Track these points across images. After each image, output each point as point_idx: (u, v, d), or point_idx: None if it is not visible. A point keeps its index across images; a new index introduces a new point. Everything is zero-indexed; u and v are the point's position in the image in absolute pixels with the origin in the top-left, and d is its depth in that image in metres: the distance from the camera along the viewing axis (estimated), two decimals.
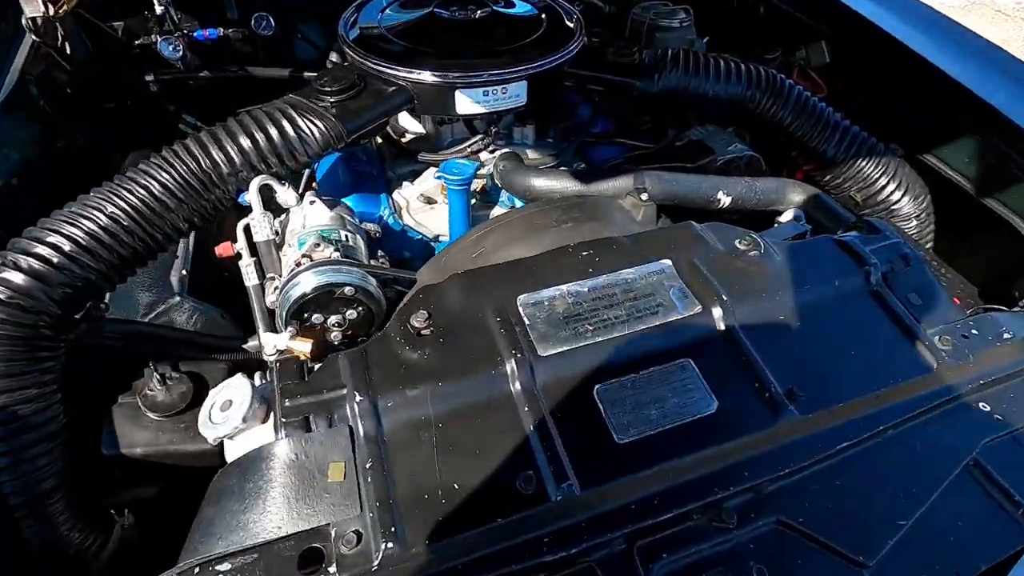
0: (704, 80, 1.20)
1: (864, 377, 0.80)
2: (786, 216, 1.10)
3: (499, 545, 0.64)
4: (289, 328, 0.93)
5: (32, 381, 0.81)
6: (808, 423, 0.75)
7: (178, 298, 1.14)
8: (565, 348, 0.77)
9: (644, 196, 1.00)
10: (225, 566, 0.59)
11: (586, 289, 0.85)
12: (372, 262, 1.02)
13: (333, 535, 0.62)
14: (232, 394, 0.68)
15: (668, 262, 0.89)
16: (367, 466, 0.66)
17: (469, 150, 1.22)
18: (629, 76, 1.20)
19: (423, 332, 0.77)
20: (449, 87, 1.10)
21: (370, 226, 1.11)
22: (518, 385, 0.74)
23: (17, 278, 0.79)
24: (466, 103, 1.12)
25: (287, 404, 0.69)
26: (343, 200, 1.22)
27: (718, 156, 1.19)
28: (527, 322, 0.80)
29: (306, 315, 0.92)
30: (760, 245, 0.92)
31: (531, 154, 1.33)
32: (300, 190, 1.31)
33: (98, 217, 0.86)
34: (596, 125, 1.41)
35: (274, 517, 0.63)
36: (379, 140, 1.40)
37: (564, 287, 0.84)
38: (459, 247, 0.95)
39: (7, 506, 0.82)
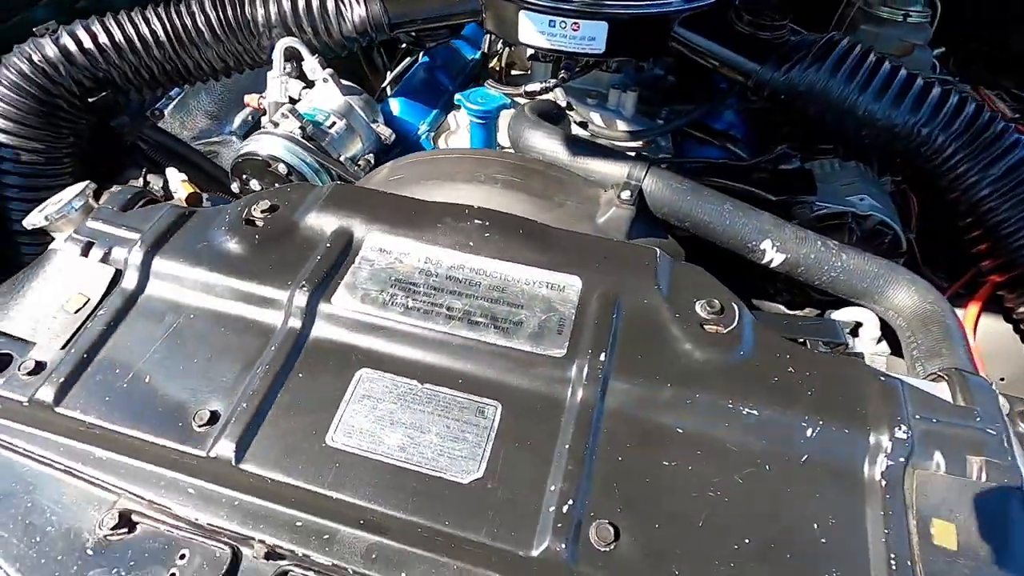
0: (856, 89, 0.80)
1: None
2: (865, 332, 0.69)
3: (131, 457, 0.56)
4: (234, 183, 0.93)
5: (42, 136, 0.95)
6: None
7: (233, 137, 1.23)
8: (360, 312, 0.61)
9: (625, 195, 0.72)
10: None
11: (449, 262, 0.65)
12: (345, 159, 0.95)
13: (25, 355, 0.60)
14: (69, 194, 0.70)
15: (577, 282, 0.63)
16: (100, 314, 0.63)
17: (532, 88, 1.04)
18: (748, 56, 0.86)
19: (256, 221, 0.68)
20: (514, 5, 0.93)
21: (384, 130, 1.04)
22: (286, 324, 0.61)
23: (50, 51, 0.92)
24: (529, 30, 0.94)
25: (87, 223, 0.68)
26: (394, 98, 1.16)
27: (818, 202, 0.80)
28: (355, 264, 0.65)
29: (244, 176, 0.90)
30: (733, 321, 0.60)
31: (620, 126, 1.09)
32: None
33: (135, 26, 0.95)
34: (720, 121, 1.08)
35: (7, 312, 0.64)
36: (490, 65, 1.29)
37: (427, 248, 0.66)
38: (390, 166, 0.82)
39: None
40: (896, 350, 0.71)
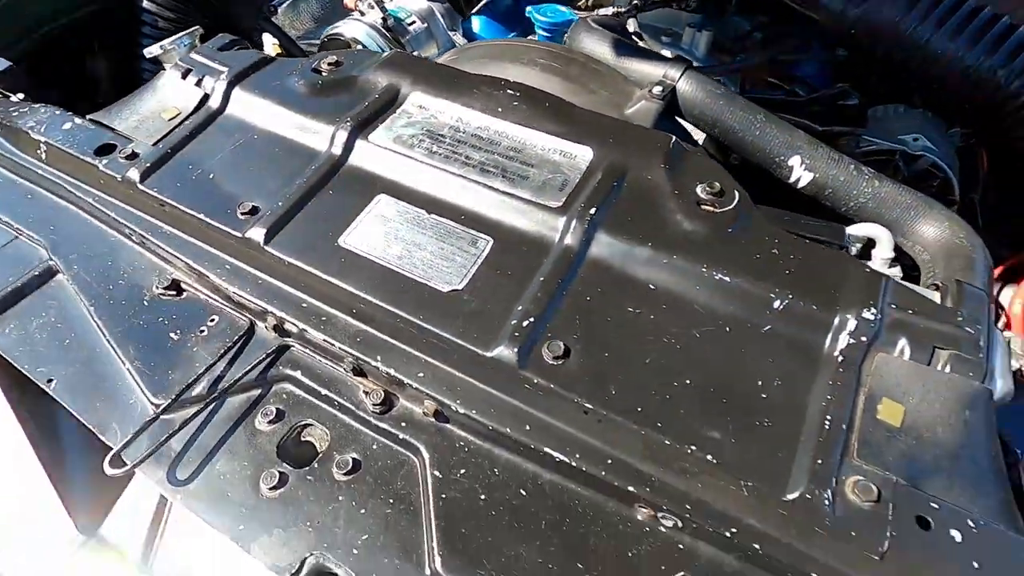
0: (930, 25, 0.76)
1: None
2: (878, 251, 0.67)
3: (187, 233, 0.67)
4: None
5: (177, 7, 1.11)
6: (532, 393, 0.53)
7: None
8: (390, 148, 0.69)
9: (657, 90, 0.73)
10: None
11: (477, 123, 0.71)
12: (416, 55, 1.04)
13: (126, 147, 0.74)
14: (182, 34, 0.83)
15: (589, 153, 0.67)
16: (186, 123, 0.75)
17: (604, 12, 1.07)
18: None
19: (322, 71, 0.78)
20: None
21: (460, 39, 1.11)
22: (328, 151, 0.70)
23: None
24: None
25: (191, 54, 0.80)
26: (477, 16, 1.23)
27: (865, 136, 0.78)
28: (395, 114, 0.73)
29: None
30: (730, 204, 0.61)
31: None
32: None
33: None
34: (799, 68, 1.06)
35: (120, 115, 0.77)
36: None
37: (461, 109, 0.72)
38: (456, 49, 0.89)
39: None
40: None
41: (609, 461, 0.50)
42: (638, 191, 0.64)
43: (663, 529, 0.49)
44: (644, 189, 0.64)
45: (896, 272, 0.67)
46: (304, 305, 0.62)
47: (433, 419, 0.56)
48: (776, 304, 0.55)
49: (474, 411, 0.53)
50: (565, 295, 0.58)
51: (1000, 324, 0.79)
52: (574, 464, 0.50)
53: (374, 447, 0.56)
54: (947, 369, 0.50)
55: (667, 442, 0.49)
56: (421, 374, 0.56)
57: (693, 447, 0.49)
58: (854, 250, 0.66)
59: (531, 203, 0.63)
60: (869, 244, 0.67)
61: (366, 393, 0.57)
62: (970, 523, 0.45)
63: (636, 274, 0.59)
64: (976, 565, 0.43)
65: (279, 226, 0.64)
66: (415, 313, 0.57)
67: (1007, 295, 0.83)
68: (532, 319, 0.55)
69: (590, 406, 0.51)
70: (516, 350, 0.54)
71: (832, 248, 0.63)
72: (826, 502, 0.45)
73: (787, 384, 0.51)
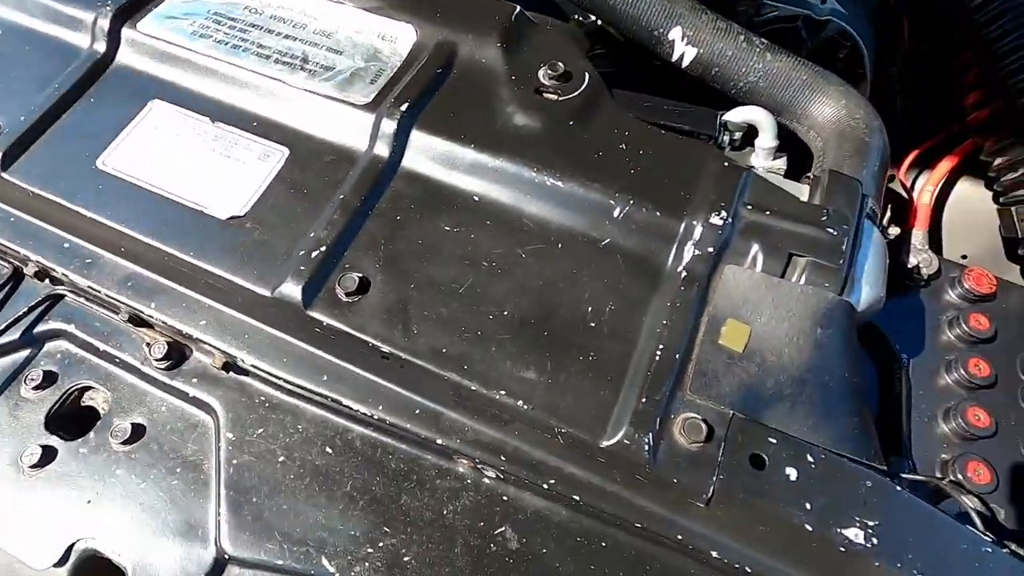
0: None
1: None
2: (761, 140, 0.57)
3: None
4: None
5: None
6: (321, 335, 0.44)
7: None
8: (165, 40, 0.55)
9: None
10: None
11: (280, 1, 0.57)
12: None
13: None
14: None
15: (412, 33, 0.54)
16: None
17: None
18: None
19: None
20: None
21: None
22: (91, 47, 0.56)
23: None
24: None
25: None
26: None
27: (766, 1, 0.65)
28: None
29: None
30: (575, 90, 0.50)
31: None
32: None
33: None
34: None
35: None
36: None
37: None
38: None
39: None
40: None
41: (417, 411, 0.43)
42: (467, 78, 0.52)
43: (487, 481, 0.42)
44: (474, 75, 0.52)
45: (780, 164, 0.57)
46: (66, 246, 0.51)
47: (226, 372, 0.47)
48: (616, 212, 0.45)
49: (263, 361, 0.45)
50: (370, 216, 0.47)
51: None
52: (377, 416, 0.43)
53: (162, 409, 0.47)
54: (802, 280, 0.42)
55: (474, 388, 0.41)
56: (203, 321, 0.46)
57: (502, 392, 0.41)
58: (729, 140, 0.56)
59: (334, 101, 0.51)
60: (752, 132, 0.57)
61: (147, 345, 0.48)
62: (809, 458, 0.39)
63: (457, 184, 0.48)
64: (808, 506, 0.37)
65: (22, 147, 0.51)
66: (187, 249, 0.47)
67: (922, 184, 0.75)
68: (324, 248, 0.45)
69: (388, 348, 0.43)
70: (302, 287, 0.44)
71: (699, 139, 0.53)
72: (646, 447, 0.38)
73: (621, 310, 0.43)
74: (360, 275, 0.45)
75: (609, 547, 0.39)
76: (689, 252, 0.44)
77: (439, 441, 0.42)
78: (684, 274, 0.43)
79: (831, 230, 0.43)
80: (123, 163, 0.51)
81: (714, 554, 0.38)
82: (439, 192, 0.48)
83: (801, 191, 0.47)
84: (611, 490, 0.39)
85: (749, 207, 0.44)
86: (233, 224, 0.48)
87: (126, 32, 0.55)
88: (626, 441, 0.39)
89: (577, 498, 0.40)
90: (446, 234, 0.47)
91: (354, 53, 0.54)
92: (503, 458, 0.41)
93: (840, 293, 0.41)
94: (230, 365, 0.47)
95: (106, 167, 0.51)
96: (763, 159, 0.57)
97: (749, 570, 0.37)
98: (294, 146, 0.51)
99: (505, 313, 0.43)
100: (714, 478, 0.38)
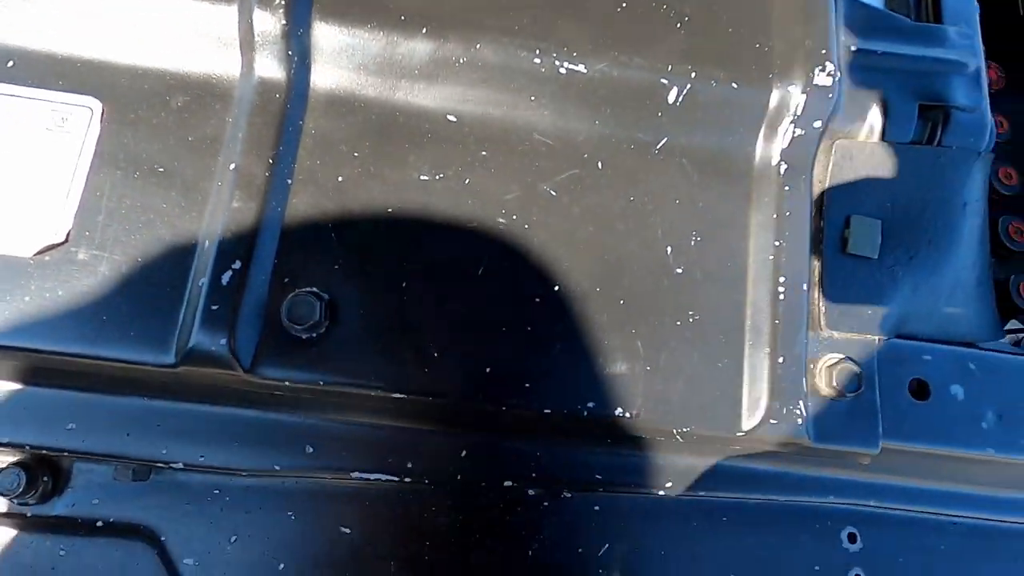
0: None
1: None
2: None
3: None
4: None
5: None
6: None
7: None
8: None
9: None
10: None
11: None
12: None
13: None
14: None
15: None
16: None
17: None
18: None
19: None
20: None
21: None
22: None
23: None
24: None
25: None
26: None
27: None
28: None
29: None
30: None
31: None
32: None
33: None
34: None
35: None
36: None
37: None
38: None
39: None
40: None
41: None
42: None
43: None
44: None
45: None
46: None
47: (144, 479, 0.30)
48: (671, 95, 0.30)
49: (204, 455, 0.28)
50: (293, 189, 0.29)
51: None
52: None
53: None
54: (940, 139, 0.31)
55: (549, 412, 0.28)
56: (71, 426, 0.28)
57: (590, 404, 0.28)
58: None
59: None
60: None
61: None
62: (971, 366, 0.31)
63: (415, 101, 0.30)
64: (984, 425, 0.30)
65: None
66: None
67: None
68: (237, 263, 0.27)
69: (398, 395, 0.28)
70: (227, 338, 0.26)
71: None
72: (799, 418, 0.28)
73: (711, 239, 0.30)
74: (314, 291, 0.28)
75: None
76: (787, 133, 0.30)
77: (530, 492, 0.30)
78: (784, 167, 0.30)
79: (961, 58, 0.31)
80: None
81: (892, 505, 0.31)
82: (390, 120, 0.30)
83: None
84: (768, 478, 0.30)
85: (854, 49, 0.30)
86: (53, 259, 0.27)
87: None
88: (772, 420, 0.29)
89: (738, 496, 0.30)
90: (424, 187, 0.29)
91: None
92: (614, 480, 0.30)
93: (983, 145, 0.31)
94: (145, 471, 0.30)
95: None
96: None
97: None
98: (108, 94, 0.29)
99: (556, 289, 0.29)
100: (879, 428, 0.29)
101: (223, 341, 0.26)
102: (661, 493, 0.31)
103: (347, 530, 0.30)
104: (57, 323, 0.26)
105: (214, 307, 0.26)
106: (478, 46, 0.29)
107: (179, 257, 0.27)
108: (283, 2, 0.28)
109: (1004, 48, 0.40)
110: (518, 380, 0.28)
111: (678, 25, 0.30)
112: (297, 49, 0.29)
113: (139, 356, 0.26)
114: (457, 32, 0.29)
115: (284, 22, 0.28)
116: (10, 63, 0.29)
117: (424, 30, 0.29)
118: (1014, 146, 0.40)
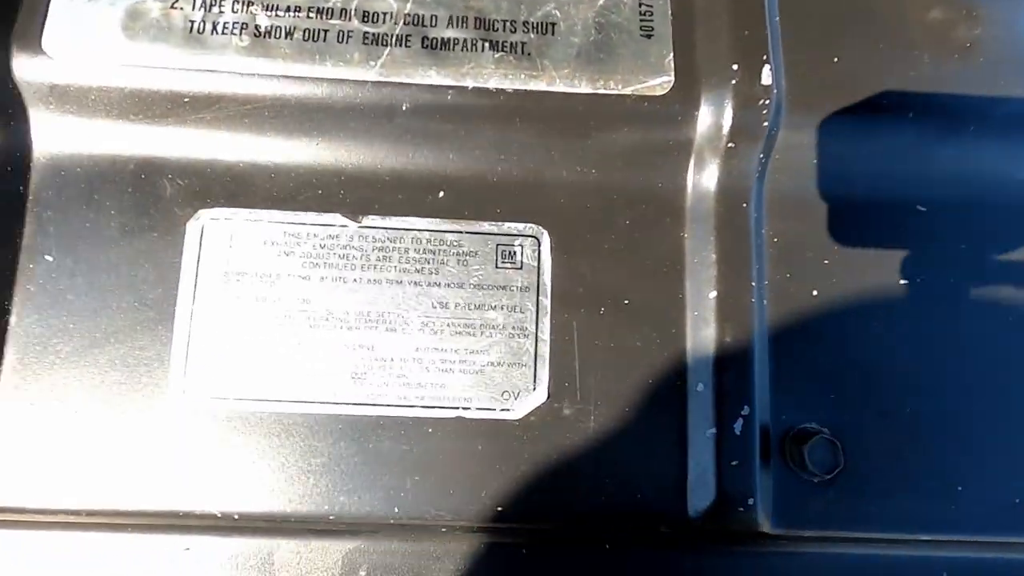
0: None
1: None
2: None
3: None
4: None
5: None
6: None
7: None
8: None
9: None
10: None
11: None
12: None
13: None
14: None
15: None
16: None
17: None
18: None
19: None
20: None
21: None
22: None
23: None
24: None
25: None
26: None
27: None
28: None
29: None
30: None
31: None
32: None
33: None
34: None
35: None
36: None
37: None
38: None
39: None
40: None
41: None
42: None
43: None
44: None
45: None
46: None
47: None
48: None
49: None
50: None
51: None
52: None
53: None
54: None
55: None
56: None
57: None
58: None
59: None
60: None
61: None
62: None
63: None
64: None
65: None
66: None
67: None
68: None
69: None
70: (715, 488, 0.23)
71: None
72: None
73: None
74: (823, 430, 0.24)
75: None
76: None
77: None
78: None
79: None
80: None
81: None
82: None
83: None
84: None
85: None
86: (538, 419, 0.24)
87: None
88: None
89: None
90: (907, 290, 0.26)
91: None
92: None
93: None
94: None
95: None
96: None
97: None
98: (551, 220, 0.25)
99: None
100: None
101: (749, 499, 0.23)
102: None
103: None
104: (555, 488, 0.24)
105: (733, 462, 0.23)
106: None
107: (669, 403, 0.24)
108: (767, 102, 0.24)
109: None
110: None
111: None
112: (766, 150, 0.25)
113: (653, 512, 0.23)
114: None
115: (766, 123, 0.24)
116: (440, 193, 0.26)
117: None
118: None
